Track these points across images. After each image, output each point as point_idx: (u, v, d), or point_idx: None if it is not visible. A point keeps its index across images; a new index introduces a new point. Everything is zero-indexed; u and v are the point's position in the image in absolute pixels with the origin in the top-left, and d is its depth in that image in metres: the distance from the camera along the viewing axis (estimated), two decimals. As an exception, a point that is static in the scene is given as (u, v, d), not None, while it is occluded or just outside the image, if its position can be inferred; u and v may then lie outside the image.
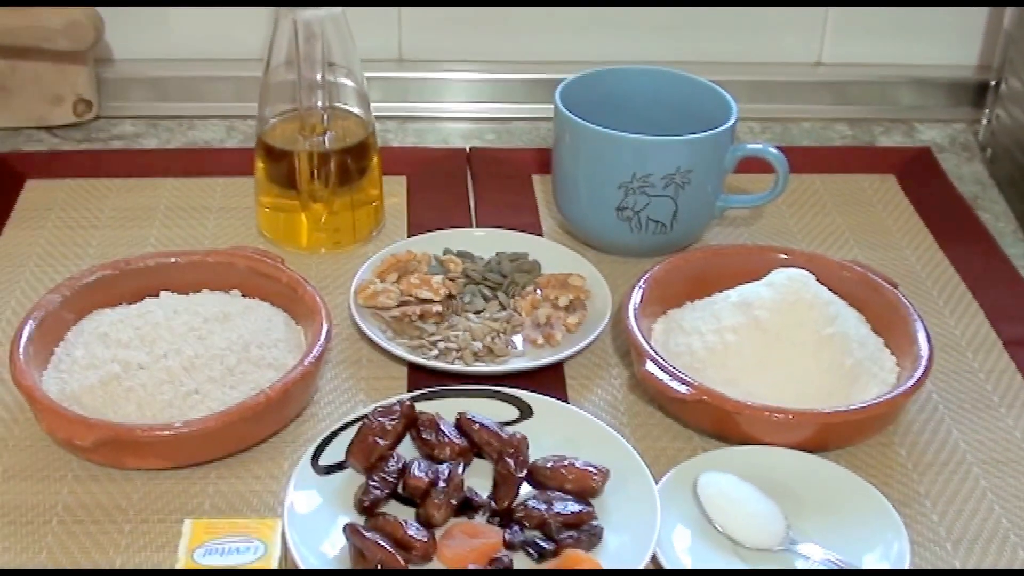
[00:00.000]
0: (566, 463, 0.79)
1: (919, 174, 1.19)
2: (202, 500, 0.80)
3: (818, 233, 1.09)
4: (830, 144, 1.26)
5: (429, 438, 0.81)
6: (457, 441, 0.80)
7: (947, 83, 1.32)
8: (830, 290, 0.89)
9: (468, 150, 1.22)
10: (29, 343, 0.84)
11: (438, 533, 0.75)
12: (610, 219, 1.01)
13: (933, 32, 1.32)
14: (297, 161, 1.01)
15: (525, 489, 0.79)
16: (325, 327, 0.87)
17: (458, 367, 0.89)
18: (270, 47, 0.98)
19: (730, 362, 0.85)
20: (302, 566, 0.72)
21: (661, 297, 0.93)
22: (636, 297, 0.91)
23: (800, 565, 0.75)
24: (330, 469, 0.79)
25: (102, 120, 1.25)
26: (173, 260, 0.94)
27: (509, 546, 0.75)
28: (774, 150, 1.01)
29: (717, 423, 0.83)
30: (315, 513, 0.76)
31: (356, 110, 1.02)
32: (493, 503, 0.78)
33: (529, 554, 0.74)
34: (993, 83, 1.24)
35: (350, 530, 0.73)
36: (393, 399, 0.83)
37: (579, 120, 0.99)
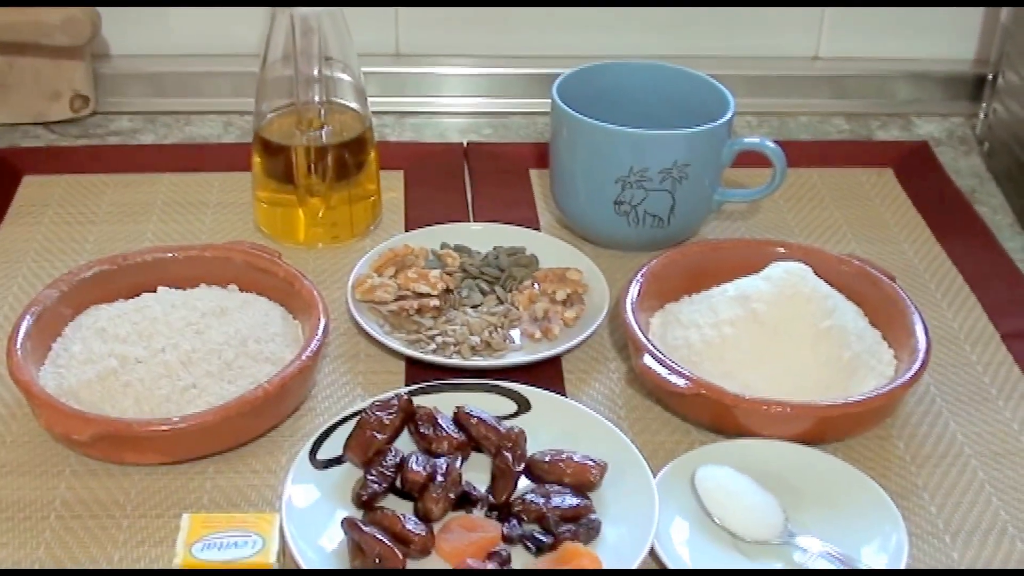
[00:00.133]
0: (564, 457, 0.79)
1: (917, 168, 1.19)
2: (200, 495, 0.80)
3: (816, 227, 1.10)
4: (827, 138, 1.26)
5: (427, 432, 0.81)
6: (455, 435, 0.80)
7: (944, 77, 1.32)
8: (828, 283, 0.89)
9: (465, 145, 1.21)
10: (27, 338, 0.84)
11: (436, 527, 0.75)
12: (608, 213, 1.01)
13: (930, 26, 1.32)
14: (294, 156, 1.01)
15: (523, 483, 0.79)
16: (323, 321, 0.87)
17: (456, 361, 0.89)
18: (267, 42, 0.98)
19: (728, 355, 0.85)
20: (300, 560, 0.71)
21: (659, 291, 0.93)
22: (634, 291, 0.91)
23: (798, 558, 0.75)
24: (328, 463, 0.79)
25: (99, 116, 1.25)
26: (170, 255, 0.94)
27: (507, 540, 0.75)
28: (771, 144, 1.01)
29: (715, 416, 0.83)
30: (313, 507, 0.76)
31: (353, 105, 1.02)
32: (491, 497, 0.78)
33: (527, 547, 0.74)
34: (990, 77, 1.24)
35: (348, 524, 0.73)
36: (391, 393, 0.83)
37: (576, 114, 0.99)
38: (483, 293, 0.96)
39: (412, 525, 0.74)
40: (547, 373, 0.90)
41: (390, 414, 0.81)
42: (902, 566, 0.73)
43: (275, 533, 0.70)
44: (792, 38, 1.33)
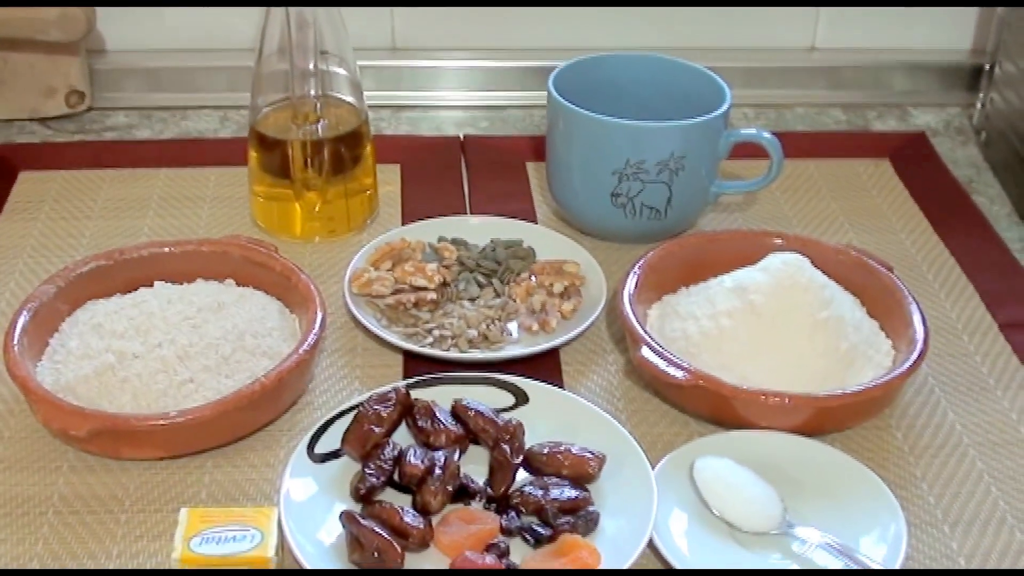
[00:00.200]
0: (562, 449, 0.79)
1: (914, 158, 1.19)
2: (198, 489, 0.79)
3: (813, 218, 1.09)
4: (824, 129, 1.26)
5: (425, 425, 0.80)
6: (453, 428, 0.80)
7: (941, 67, 1.32)
8: (825, 274, 0.89)
9: (462, 138, 1.21)
10: (23, 334, 0.84)
11: (435, 520, 0.75)
12: (604, 205, 1.01)
13: (927, 16, 1.32)
14: (290, 150, 1.00)
15: (521, 475, 0.79)
16: (320, 315, 0.87)
17: (453, 354, 0.89)
18: (262, 36, 0.98)
19: (725, 347, 0.85)
20: (298, 554, 0.71)
21: (656, 283, 0.93)
22: (631, 283, 0.91)
23: (797, 548, 0.75)
24: (326, 457, 0.79)
25: (95, 111, 1.25)
26: (167, 250, 0.94)
27: (506, 532, 0.75)
28: (768, 135, 1.01)
29: (713, 408, 0.83)
30: (311, 501, 0.76)
31: (349, 98, 1.02)
32: (489, 489, 0.78)
33: (526, 540, 0.74)
34: (987, 67, 1.24)
35: (346, 518, 0.73)
36: (388, 387, 0.83)
37: (573, 107, 0.99)
38: (480, 286, 0.96)
39: (410, 518, 0.74)
40: (545, 366, 0.90)
41: (388, 407, 0.81)
42: (901, 556, 0.73)
43: (273, 527, 0.70)
44: (788, 29, 1.32)
